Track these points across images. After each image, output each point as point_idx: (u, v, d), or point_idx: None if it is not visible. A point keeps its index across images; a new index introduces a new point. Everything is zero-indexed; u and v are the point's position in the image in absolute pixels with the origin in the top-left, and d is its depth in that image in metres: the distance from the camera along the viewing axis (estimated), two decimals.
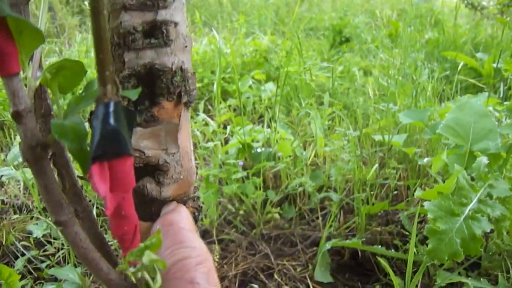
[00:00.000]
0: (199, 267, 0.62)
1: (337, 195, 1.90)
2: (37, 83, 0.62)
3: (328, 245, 1.67)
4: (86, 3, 5.60)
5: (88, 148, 0.53)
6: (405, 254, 1.68)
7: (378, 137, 2.05)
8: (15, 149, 2.34)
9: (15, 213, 2.14)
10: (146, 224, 0.78)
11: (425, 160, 1.92)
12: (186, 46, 0.70)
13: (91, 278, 1.63)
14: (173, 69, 0.68)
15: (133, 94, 0.62)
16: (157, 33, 0.66)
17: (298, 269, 1.74)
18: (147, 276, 0.61)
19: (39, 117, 0.73)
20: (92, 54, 3.77)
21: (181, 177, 0.74)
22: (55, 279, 1.76)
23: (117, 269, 0.58)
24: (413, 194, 1.97)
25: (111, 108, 0.47)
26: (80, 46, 4.22)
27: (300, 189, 1.99)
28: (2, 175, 2.19)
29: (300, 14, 4.48)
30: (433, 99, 2.59)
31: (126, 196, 0.53)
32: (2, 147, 2.81)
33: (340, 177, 1.97)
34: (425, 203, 1.44)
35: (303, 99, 2.65)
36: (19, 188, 2.30)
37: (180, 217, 0.71)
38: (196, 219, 0.81)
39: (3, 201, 2.21)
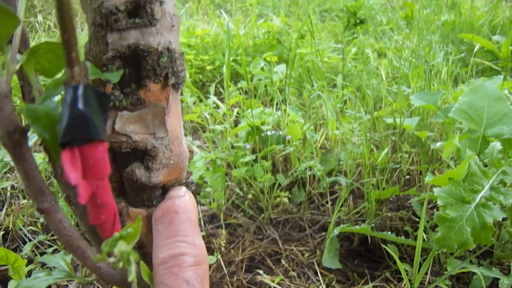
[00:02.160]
0: (196, 268, 0.60)
1: (346, 179, 1.86)
2: (17, 67, 0.60)
3: (336, 231, 1.64)
4: None
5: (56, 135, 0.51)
6: (415, 241, 1.64)
7: (389, 120, 2.01)
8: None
9: (23, 198, 2.15)
10: (137, 211, 0.76)
11: (438, 144, 1.88)
12: (173, 26, 0.67)
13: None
14: (159, 49, 0.65)
15: (114, 77, 0.59)
16: (141, 13, 0.63)
17: (306, 255, 1.72)
18: (130, 267, 0.59)
19: (30, 101, 0.71)
20: None
21: (171, 162, 0.72)
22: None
23: (94, 259, 0.56)
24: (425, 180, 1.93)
25: (80, 91, 0.45)
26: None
27: (309, 173, 1.96)
28: (11, 161, 2.19)
29: None
30: (447, 81, 2.54)
31: (100, 184, 0.50)
32: None
33: (350, 161, 1.93)
34: (435, 189, 1.40)
35: (315, 81, 2.61)
36: None
37: (187, 206, 0.69)
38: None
39: (13, 186, 2.21)
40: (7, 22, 0.53)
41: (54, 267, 0.78)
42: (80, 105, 0.44)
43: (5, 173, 2.32)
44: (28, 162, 0.59)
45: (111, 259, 0.56)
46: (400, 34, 3.51)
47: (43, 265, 1.76)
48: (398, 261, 1.40)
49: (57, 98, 0.57)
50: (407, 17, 4.22)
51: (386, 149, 1.90)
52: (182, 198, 0.71)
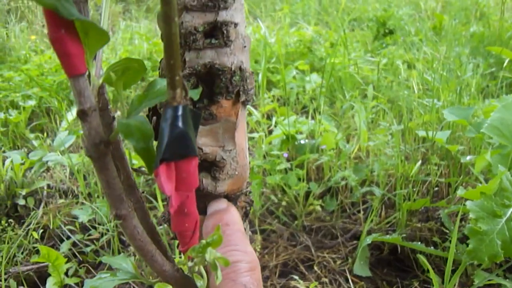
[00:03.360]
0: (251, 273, 0.64)
1: (380, 190, 1.90)
2: (100, 81, 0.65)
3: (368, 240, 1.68)
4: None
5: (154, 148, 0.55)
6: (443, 251, 1.67)
7: (422, 133, 2.04)
8: (62, 135, 2.39)
9: (60, 197, 2.20)
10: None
11: (468, 158, 1.90)
12: (245, 46, 0.72)
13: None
14: (232, 69, 0.70)
15: (195, 94, 0.64)
16: (217, 34, 0.68)
17: (338, 262, 1.75)
18: (202, 271, 0.64)
19: (99, 110, 0.76)
20: (137, 41, 3.83)
21: (236, 173, 0.76)
22: (97, 265, 1.82)
23: (177, 263, 0.60)
24: (454, 192, 1.96)
25: (180, 112, 0.49)
26: (124, 34, 4.29)
27: (343, 182, 1.99)
28: (48, 161, 2.25)
29: (343, 4, 4.45)
30: (476, 95, 2.56)
31: (189, 195, 0.55)
32: (47, 132, 2.87)
33: (383, 172, 1.97)
34: (468, 203, 1.43)
35: (347, 91, 2.64)
36: (64, 173, 2.36)
37: (235, 219, 0.73)
38: (247, 214, 0.83)
39: (49, 185, 2.27)
40: (99, 39, 0.57)
41: (117, 269, 0.82)
42: (180, 124, 0.49)
43: (42, 172, 2.38)
44: (110, 172, 0.64)
45: (189, 263, 0.61)
46: (429, 45, 3.52)
47: (80, 263, 1.80)
48: (431, 272, 1.44)
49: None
50: (436, 28, 4.24)
51: (419, 162, 1.93)
52: (227, 211, 0.75)
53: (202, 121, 0.71)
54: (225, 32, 0.68)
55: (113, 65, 0.64)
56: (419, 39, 3.76)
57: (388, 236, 1.69)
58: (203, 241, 0.55)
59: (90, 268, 1.78)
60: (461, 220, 1.93)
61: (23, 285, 1.65)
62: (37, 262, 1.80)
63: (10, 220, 1.95)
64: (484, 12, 4.49)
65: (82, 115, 0.58)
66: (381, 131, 2.11)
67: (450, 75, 2.64)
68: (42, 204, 2.15)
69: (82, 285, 1.71)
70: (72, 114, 2.68)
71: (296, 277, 1.65)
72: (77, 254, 1.84)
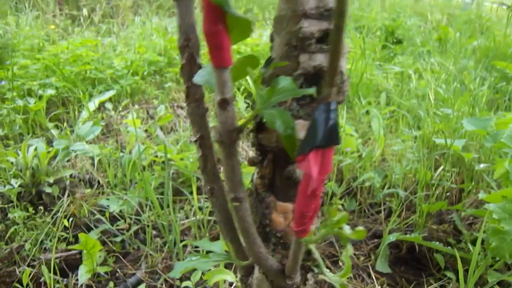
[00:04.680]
0: None
1: (404, 192, 1.99)
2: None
3: (392, 238, 1.77)
4: None
5: (296, 135, 0.63)
6: (458, 252, 1.78)
7: (439, 140, 2.14)
8: (87, 125, 2.44)
9: (84, 187, 2.25)
10: (284, 205, 0.89)
11: (482, 166, 2.01)
12: (344, 53, 0.80)
13: None
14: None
15: (312, 92, 0.72)
16: (327, 40, 0.77)
17: (361, 259, 1.85)
18: (313, 249, 0.72)
19: (193, 101, 0.84)
20: (155, 36, 3.88)
21: None
22: (125, 255, 1.87)
23: (303, 240, 0.68)
24: (468, 196, 2.07)
25: (333, 106, 0.58)
26: (136, 28, 4.36)
27: (367, 184, 2.08)
28: (75, 150, 2.29)
29: (350, 11, 4.54)
30: (486, 107, 2.67)
31: (323, 179, 0.63)
32: (65, 122, 2.91)
33: (402, 175, 2.06)
34: (491, 205, 1.54)
35: (363, 97, 2.74)
36: (88, 163, 2.39)
37: None
38: (322, 203, 0.92)
39: (71, 175, 2.30)
40: (241, 33, 0.64)
41: (209, 251, 0.90)
42: (333, 117, 0.57)
43: (66, 161, 2.41)
44: (236, 158, 0.72)
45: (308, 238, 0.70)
46: (436, 55, 3.63)
47: (108, 252, 1.85)
48: (460, 269, 1.52)
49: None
50: (441, 39, 4.35)
51: (442, 167, 2.03)
52: None
53: (304, 117, 0.80)
54: None
55: (241, 60, 0.72)
56: (427, 50, 3.86)
57: (407, 235, 1.79)
58: (333, 218, 0.63)
59: (120, 257, 1.83)
60: (471, 224, 2.04)
61: (53, 273, 1.67)
62: (66, 250, 1.84)
63: (40, 207, 1.99)
64: (488, 26, 4.61)
65: (223, 103, 0.67)
66: (407, 137, 2.21)
67: (462, 88, 2.75)
68: (67, 193, 2.19)
69: (112, 274, 1.76)
70: (95, 104, 2.73)
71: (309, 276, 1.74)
72: (108, 242, 1.89)
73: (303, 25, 0.74)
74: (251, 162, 0.88)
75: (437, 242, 1.82)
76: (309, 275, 0.99)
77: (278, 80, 0.72)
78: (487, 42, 3.98)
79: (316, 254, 0.72)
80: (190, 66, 0.80)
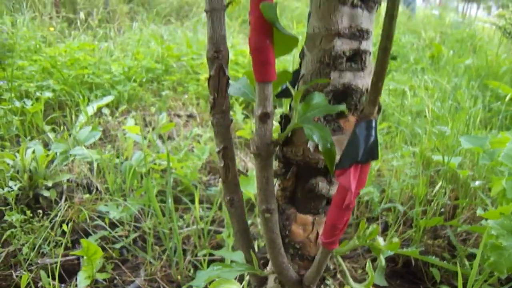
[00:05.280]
0: None
1: (402, 207, 2.02)
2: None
3: (390, 252, 1.79)
4: None
5: (334, 148, 0.66)
6: (454, 266, 1.81)
7: (437, 157, 2.18)
8: (86, 129, 2.43)
9: (83, 192, 2.24)
10: (304, 217, 0.91)
11: (477, 183, 2.05)
12: (371, 72, 0.83)
13: None
14: (363, 90, 0.81)
15: (343, 108, 0.74)
16: (356, 59, 0.79)
17: (359, 271, 1.87)
18: (340, 260, 0.74)
19: (219, 113, 0.86)
20: (153, 44, 3.89)
21: None
22: (123, 261, 1.87)
23: (335, 252, 0.71)
24: (461, 212, 2.11)
25: (374, 124, 0.60)
26: (132, 35, 4.37)
27: (366, 198, 2.11)
28: (75, 155, 2.27)
29: None
30: (480, 126, 2.71)
31: (358, 193, 0.65)
32: (61, 125, 2.90)
33: (399, 191, 2.09)
34: (489, 222, 1.59)
35: None
36: (86, 168, 2.38)
37: None
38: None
39: (68, 179, 2.29)
40: (285, 48, 0.67)
41: (232, 261, 0.91)
42: (374, 134, 0.60)
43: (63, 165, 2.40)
44: (271, 170, 0.75)
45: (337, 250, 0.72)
46: (429, 73, 3.68)
47: (107, 259, 1.84)
48: (460, 284, 1.55)
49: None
50: (434, 56, 4.41)
51: (439, 184, 2.06)
52: None
53: (331, 132, 0.82)
54: (363, 58, 0.79)
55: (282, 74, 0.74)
56: (421, 68, 3.92)
57: (405, 249, 1.82)
58: (367, 230, 0.65)
59: (119, 264, 1.83)
60: (465, 239, 2.07)
61: (51, 278, 1.67)
62: (65, 255, 1.83)
63: (37, 211, 1.98)
64: (479, 45, 4.68)
65: (264, 117, 0.69)
66: (405, 153, 2.24)
67: (456, 105, 2.79)
68: (64, 197, 2.18)
69: (111, 281, 1.76)
70: (93, 109, 2.73)
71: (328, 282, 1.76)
72: (107, 248, 1.88)
73: (336, 43, 0.77)
74: (274, 175, 0.90)
75: (433, 257, 1.85)
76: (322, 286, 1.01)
77: (312, 96, 0.74)
78: (479, 61, 4.04)
79: (343, 265, 0.75)
80: (219, 77, 0.82)
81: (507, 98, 2.98)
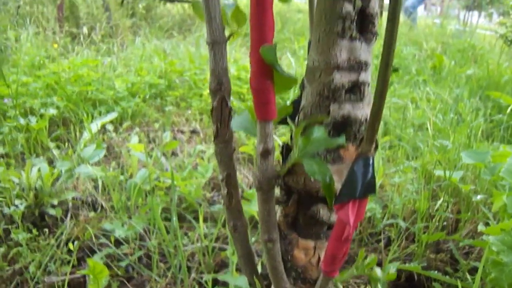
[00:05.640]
0: None
1: (404, 223, 2.04)
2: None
3: (393, 268, 1.81)
4: (140, 5, 5.81)
5: (333, 183, 0.68)
6: (455, 281, 1.82)
7: (438, 172, 2.20)
8: (90, 147, 2.45)
9: (88, 210, 2.26)
10: (305, 242, 0.93)
11: (478, 197, 2.07)
12: (369, 102, 0.85)
13: None
14: (362, 120, 0.83)
15: (343, 142, 0.77)
16: (355, 90, 0.81)
17: (362, 287, 1.88)
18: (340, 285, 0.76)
19: (222, 142, 0.88)
20: (156, 59, 3.91)
21: None
22: (129, 279, 1.89)
23: (335, 280, 0.73)
24: (464, 226, 2.12)
25: (371, 161, 0.62)
26: (135, 50, 4.40)
27: (368, 214, 2.12)
28: (79, 172, 2.29)
29: None
30: (482, 139, 2.73)
31: (356, 226, 0.67)
32: (65, 142, 2.92)
33: (401, 206, 2.11)
34: (490, 238, 1.60)
35: None
36: (92, 186, 2.40)
37: None
38: None
39: (73, 197, 2.30)
40: (284, 87, 0.69)
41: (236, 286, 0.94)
42: (371, 171, 0.62)
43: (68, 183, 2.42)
44: (272, 203, 0.77)
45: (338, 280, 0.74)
46: (431, 85, 3.70)
47: (112, 276, 1.85)
48: None
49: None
50: (435, 67, 4.42)
51: (442, 199, 2.07)
52: None
53: (331, 161, 0.84)
54: (362, 89, 0.82)
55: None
56: (423, 80, 3.93)
57: (408, 264, 1.83)
58: (360, 261, 0.68)
59: (125, 281, 1.84)
60: (467, 253, 2.09)
61: None
62: (72, 273, 1.84)
63: (44, 229, 2.00)
64: (481, 54, 4.70)
65: (265, 153, 0.71)
66: (407, 169, 2.26)
67: (458, 118, 2.81)
68: (69, 215, 2.19)
69: None
70: (97, 126, 2.75)
71: None
72: (112, 266, 1.89)
73: (335, 76, 0.79)
74: (276, 201, 0.92)
75: (435, 271, 1.86)
76: None
77: (312, 130, 0.76)
78: (481, 71, 4.05)
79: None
80: (222, 108, 0.84)
81: (509, 109, 2.99)
